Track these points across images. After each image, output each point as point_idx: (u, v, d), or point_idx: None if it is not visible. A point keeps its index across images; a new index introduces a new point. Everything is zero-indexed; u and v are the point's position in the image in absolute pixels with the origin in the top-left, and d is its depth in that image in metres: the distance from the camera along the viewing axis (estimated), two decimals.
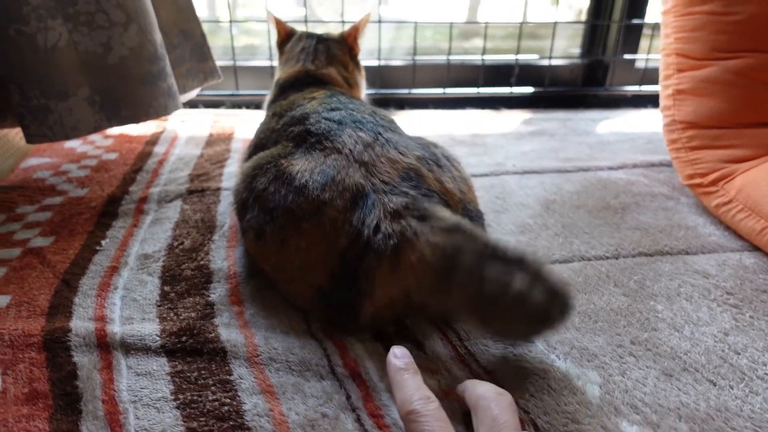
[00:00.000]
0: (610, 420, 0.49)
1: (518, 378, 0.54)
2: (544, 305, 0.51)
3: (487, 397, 0.43)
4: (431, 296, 0.54)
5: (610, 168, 1.06)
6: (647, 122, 1.37)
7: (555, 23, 1.43)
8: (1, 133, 0.98)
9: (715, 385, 0.54)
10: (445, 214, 0.56)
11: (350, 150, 0.62)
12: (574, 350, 0.58)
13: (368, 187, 0.58)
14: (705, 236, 0.82)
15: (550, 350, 0.58)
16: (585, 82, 1.55)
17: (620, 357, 0.57)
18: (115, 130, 1.19)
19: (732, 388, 0.53)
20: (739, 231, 0.82)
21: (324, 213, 0.57)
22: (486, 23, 1.43)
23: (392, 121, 0.75)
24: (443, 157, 0.70)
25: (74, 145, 1.12)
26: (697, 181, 0.90)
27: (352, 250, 0.55)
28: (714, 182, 0.87)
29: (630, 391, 0.52)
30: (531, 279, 0.50)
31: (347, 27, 1.01)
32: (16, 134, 1.02)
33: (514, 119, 1.39)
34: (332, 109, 0.72)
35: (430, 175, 0.62)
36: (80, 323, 0.58)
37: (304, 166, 0.62)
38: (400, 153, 0.63)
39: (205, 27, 1.46)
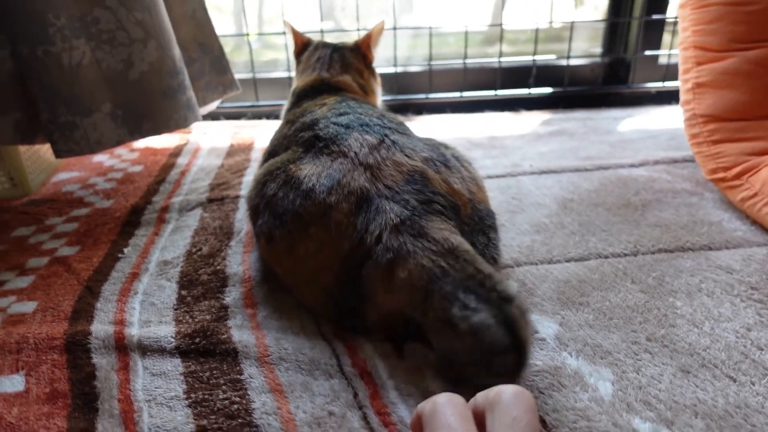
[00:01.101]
0: (622, 417, 0.48)
1: (528, 375, 0.53)
2: (493, 348, 0.47)
3: (506, 392, 0.39)
4: (414, 312, 0.53)
5: (631, 165, 1.04)
6: (671, 118, 1.34)
7: (572, 23, 1.41)
8: (33, 149, 1.03)
9: (735, 381, 0.52)
10: (441, 234, 0.54)
11: (356, 153, 0.63)
12: (587, 347, 0.57)
13: (373, 191, 0.58)
14: (730, 231, 0.79)
15: (561, 347, 0.57)
16: (607, 81, 1.53)
17: (635, 354, 0.56)
18: (140, 144, 1.23)
19: (753, 384, 0.51)
20: (766, 225, 0.79)
21: (330, 216, 0.58)
22: (501, 26, 1.42)
23: (401, 123, 0.75)
24: (453, 158, 0.70)
25: (102, 159, 1.16)
26: (721, 175, 0.87)
27: (355, 254, 0.56)
28: (738, 176, 0.84)
29: (644, 388, 0.51)
30: (495, 319, 0.47)
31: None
32: (46, 150, 1.07)
33: (533, 120, 1.38)
34: (341, 114, 0.73)
35: (436, 177, 0.62)
36: (100, 327, 0.61)
37: (312, 171, 0.63)
38: (406, 155, 0.63)
39: (231, 41, 1.50)
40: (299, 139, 0.71)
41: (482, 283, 0.50)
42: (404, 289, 0.53)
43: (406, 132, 0.72)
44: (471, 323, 0.48)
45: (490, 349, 0.47)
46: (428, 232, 0.55)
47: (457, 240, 0.55)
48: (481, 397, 0.41)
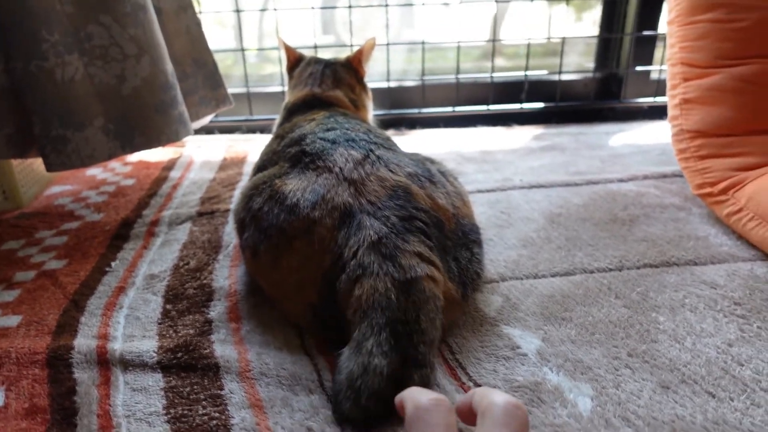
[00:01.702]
0: None
1: (508, 391, 0.53)
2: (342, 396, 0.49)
3: (499, 404, 0.38)
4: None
5: (620, 180, 1.04)
6: (662, 133, 1.35)
7: (563, 39, 1.43)
8: (26, 163, 1.04)
9: (714, 397, 0.52)
10: (408, 261, 0.55)
11: (340, 168, 0.63)
12: (568, 363, 0.57)
13: (356, 207, 0.59)
14: (715, 246, 0.80)
15: (543, 363, 0.57)
16: (599, 96, 1.54)
17: (616, 369, 0.56)
18: (134, 157, 1.24)
19: (732, 400, 0.51)
20: (751, 240, 0.79)
21: (314, 231, 0.58)
22: (494, 41, 1.44)
23: (388, 139, 0.76)
24: (438, 172, 0.71)
25: (95, 172, 1.17)
26: (708, 190, 0.88)
27: (332, 269, 0.56)
28: (724, 191, 0.85)
29: (623, 404, 0.51)
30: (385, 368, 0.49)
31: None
32: (39, 164, 1.08)
33: (525, 135, 1.39)
34: (328, 129, 0.73)
35: (420, 192, 0.63)
36: (83, 341, 0.61)
37: (297, 186, 0.63)
38: (390, 170, 0.64)
39: (231, 56, 1.51)
40: (287, 155, 0.72)
41: (392, 334, 0.50)
42: (354, 305, 0.53)
43: (392, 147, 0.73)
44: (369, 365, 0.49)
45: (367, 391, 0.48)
46: (398, 255, 0.55)
47: (422, 270, 0.55)
48: (477, 397, 0.41)
